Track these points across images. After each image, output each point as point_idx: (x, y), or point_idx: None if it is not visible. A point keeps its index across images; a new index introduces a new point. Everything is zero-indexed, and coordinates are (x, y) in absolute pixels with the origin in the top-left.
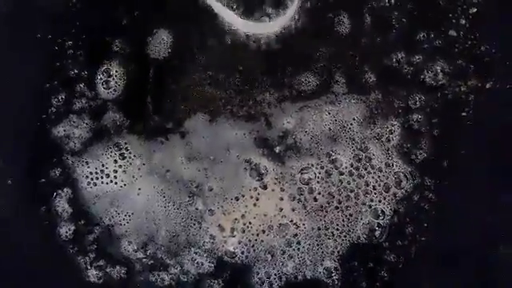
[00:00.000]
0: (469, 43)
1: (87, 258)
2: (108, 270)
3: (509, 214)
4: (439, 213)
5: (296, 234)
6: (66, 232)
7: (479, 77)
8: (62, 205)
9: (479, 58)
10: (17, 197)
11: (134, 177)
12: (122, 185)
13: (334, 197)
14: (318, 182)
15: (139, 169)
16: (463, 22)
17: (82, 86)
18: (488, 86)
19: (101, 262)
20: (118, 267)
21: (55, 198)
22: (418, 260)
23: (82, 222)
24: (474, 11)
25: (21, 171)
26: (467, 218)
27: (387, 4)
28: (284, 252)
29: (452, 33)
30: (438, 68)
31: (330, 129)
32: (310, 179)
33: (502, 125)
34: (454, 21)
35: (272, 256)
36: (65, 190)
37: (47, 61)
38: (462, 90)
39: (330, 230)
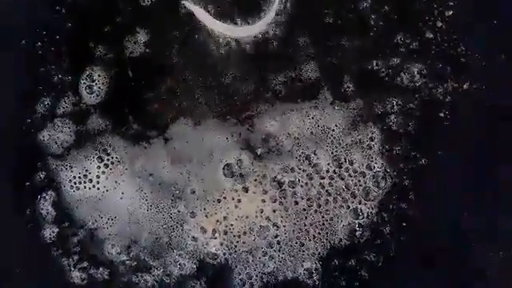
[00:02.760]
0: (445, 45)
1: (71, 259)
2: (91, 271)
3: (484, 213)
4: (417, 212)
5: (277, 236)
6: (50, 234)
7: (456, 78)
8: (46, 207)
9: (456, 60)
10: (1, 200)
11: (116, 182)
12: (105, 190)
13: (314, 199)
14: (299, 184)
15: (122, 174)
16: (439, 24)
17: (65, 90)
18: (465, 86)
19: (84, 264)
20: (101, 269)
21: (39, 200)
22: (397, 259)
23: (66, 224)
24: (450, 13)
25: (5, 175)
26: (444, 217)
27: (364, 7)
28: (265, 253)
29: (428, 35)
30: (415, 70)
31: (311, 132)
32: (292, 182)
33: (479, 125)
34: (430, 23)
35: (253, 257)
36: (49, 193)
37: (31, 66)
38: (439, 91)
39: (310, 232)
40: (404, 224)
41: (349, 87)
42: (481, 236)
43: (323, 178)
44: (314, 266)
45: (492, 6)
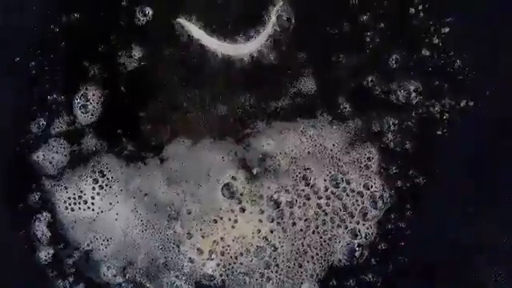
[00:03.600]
0: (442, 62)
1: (67, 281)
2: None
3: (484, 231)
4: (416, 231)
5: (275, 257)
6: (46, 256)
7: (453, 95)
8: (41, 229)
9: (452, 77)
10: None
11: (111, 203)
12: (100, 211)
13: (312, 219)
14: (296, 204)
15: (117, 195)
16: (436, 41)
17: (60, 110)
18: (462, 104)
19: (80, 286)
20: None
21: (34, 222)
22: (395, 278)
23: (62, 245)
24: (447, 30)
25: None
26: (443, 236)
27: (360, 24)
28: (262, 275)
29: (425, 52)
30: (412, 87)
31: (308, 152)
32: (289, 202)
33: (477, 143)
34: (426, 40)
35: (250, 278)
36: (44, 214)
37: (25, 86)
38: (436, 109)
39: (308, 253)
40: (402, 243)
41: (345, 106)
42: (480, 254)
43: (320, 197)
44: (313, 287)
45: (489, 23)
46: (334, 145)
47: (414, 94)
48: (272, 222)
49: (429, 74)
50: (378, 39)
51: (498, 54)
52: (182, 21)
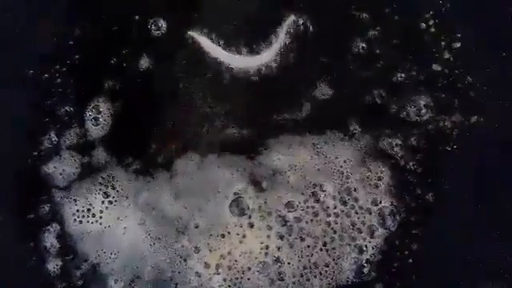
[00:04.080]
0: (452, 77)
1: None
2: None
3: (494, 250)
4: (424, 248)
5: (281, 272)
6: (54, 268)
7: (463, 111)
8: (50, 240)
9: (463, 93)
10: (6, 233)
11: (119, 218)
12: (107, 226)
13: (320, 236)
14: (305, 220)
15: (125, 209)
16: (447, 56)
17: (71, 123)
18: (472, 120)
19: None
20: None
21: (44, 233)
22: None
23: (70, 257)
24: (458, 45)
25: (10, 206)
26: (452, 253)
27: (371, 39)
28: None
29: (436, 67)
30: (422, 103)
31: (318, 169)
32: (297, 218)
33: (487, 159)
34: (437, 55)
35: None
36: (53, 225)
37: (37, 98)
38: (446, 124)
39: (316, 269)
40: (410, 260)
41: (356, 122)
42: (489, 273)
43: (329, 215)
44: None
45: (500, 38)
46: (345, 161)
47: (424, 110)
48: (280, 238)
49: (439, 89)
50: (388, 54)
51: (509, 69)
52: (193, 34)
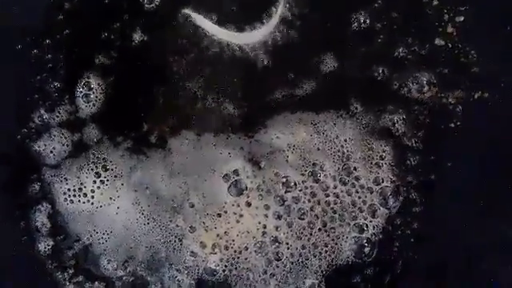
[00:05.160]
0: (456, 52)
1: (66, 273)
2: (87, 286)
3: (495, 228)
4: (426, 228)
5: (279, 253)
6: (45, 248)
7: (467, 87)
8: (41, 219)
9: (467, 68)
10: None
11: (111, 198)
12: (99, 205)
13: (319, 215)
14: (303, 200)
15: (118, 189)
16: (450, 30)
17: (62, 99)
18: (476, 96)
19: (80, 278)
20: (97, 283)
21: (35, 212)
22: (404, 276)
23: (61, 237)
24: (462, 19)
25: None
26: (454, 233)
27: (372, 13)
28: (266, 271)
29: (438, 42)
30: (424, 79)
31: (318, 148)
32: (296, 197)
33: (491, 136)
34: (440, 29)
35: (254, 274)
36: (44, 204)
37: (26, 74)
38: (450, 100)
39: (314, 249)
40: (412, 240)
41: (357, 99)
42: (491, 252)
43: (329, 194)
44: (317, 282)
45: (504, 12)
46: (345, 140)
47: (426, 87)
48: (278, 217)
49: (442, 64)
50: (389, 29)
51: None
52: (188, 11)
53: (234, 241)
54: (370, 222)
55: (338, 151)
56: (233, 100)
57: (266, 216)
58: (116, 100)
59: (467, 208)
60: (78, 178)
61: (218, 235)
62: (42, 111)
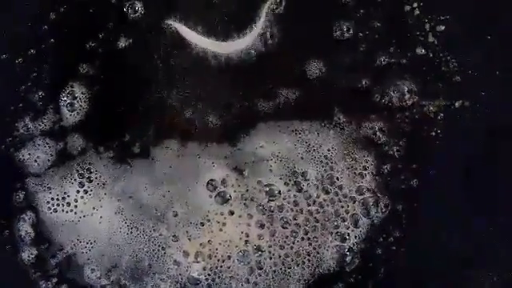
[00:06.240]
0: (437, 61)
1: (49, 282)
2: None
3: (479, 236)
4: (408, 236)
5: (261, 261)
6: (29, 256)
7: (448, 96)
8: (25, 228)
9: (448, 77)
10: None
11: (94, 208)
12: (82, 215)
13: (302, 224)
14: (286, 209)
15: (101, 198)
16: (431, 39)
17: (46, 108)
18: (457, 104)
19: (63, 287)
20: None
21: (18, 221)
22: (386, 284)
23: (45, 246)
24: (442, 28)
25: None
26: (437, 241)
27: (353, 22)
28: (248, 280)
29: (420, 51)
30: (406, 88)
31: (302, 157)
32: (279, 206)
33: (472, 144)
34: (421, 38)
35: (237, 282)
36: (28, 213)
37: (11, 83)
38: (431, 109)
39: (297, 258)
40: (394, 248)
41: (340, 109)
42: (474, 260)
43: (312, 203)
44: None
45: (486, 21)
46: (329, 150)
47: (408, 95)
48: (261, 226)
49: (423, 73)
50: (371, 38)
51: (494, 53)
52: (172, 21)
53: (217, 249)
54: (352, 231)
55: (322, 161)
56: (216, 109)
57: (249, 225)
58: (100, 109)
59: (450, 216)
60: (62, 187)
61: (201, 244)
62: (27, 120)
